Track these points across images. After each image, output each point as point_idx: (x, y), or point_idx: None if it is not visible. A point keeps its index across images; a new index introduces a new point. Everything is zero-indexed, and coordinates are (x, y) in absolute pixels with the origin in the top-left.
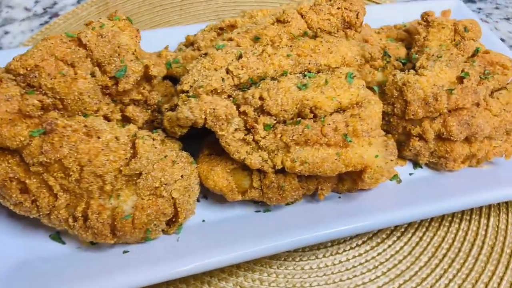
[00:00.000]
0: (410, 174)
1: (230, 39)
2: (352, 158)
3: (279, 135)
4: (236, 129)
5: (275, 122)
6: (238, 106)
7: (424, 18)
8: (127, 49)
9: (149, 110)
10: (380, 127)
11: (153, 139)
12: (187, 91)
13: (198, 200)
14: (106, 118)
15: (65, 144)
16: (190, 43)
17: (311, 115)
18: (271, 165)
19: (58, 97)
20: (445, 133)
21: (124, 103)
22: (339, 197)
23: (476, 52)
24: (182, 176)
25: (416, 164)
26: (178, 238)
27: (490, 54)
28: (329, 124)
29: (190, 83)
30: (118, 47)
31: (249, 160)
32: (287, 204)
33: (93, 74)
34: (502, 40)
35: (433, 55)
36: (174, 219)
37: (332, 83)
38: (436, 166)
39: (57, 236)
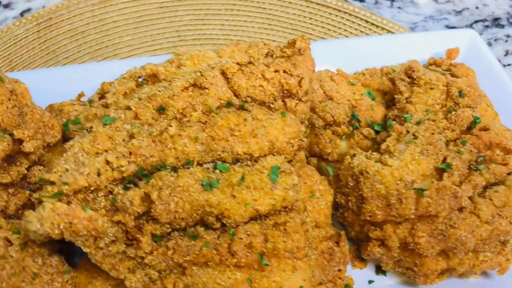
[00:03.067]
0: (370, 282)
1: (128, 108)
2: (267, 287)
3: (170, 252)
4: (113, 241)
5: (169, 229)
6: (116, 210)
7: (408, 74)
8: None
9: (28, 190)
10: (332, 220)
11: (11, 243)
12: (54, 183)
13: None
14: None
15: None
16: (104, 93)
17: (218, 224)
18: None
19: None
20: (412, 245)
21: None
22: None
23: (473, 125)
24: None
25: (379, 269)
26: None
27: (489, 132)
28: (241, 238)
29: (60, 172)
30: None
31: (129, 282)
32: None
33: None
34: None
35: (406, 133)
36: None
37: (249, 181)
38: (404, 275)
39: None
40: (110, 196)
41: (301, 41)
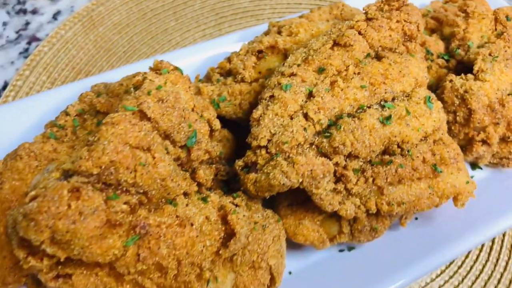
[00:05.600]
0: (471, 177)
1: (292, 74)
2: (444, 189)
3: (370, 179)
4: (327, 181)
5: (362, 163)
6: (325, 156)
7: (463, 9)
8: (188, 107)
9: (213, 165)
10: None
11: (238, 205)
12: (265, 146)
13: None
14: (185, 194)
15: (162, 244)
16: (226, 71)
17: (398, 150)
18: (364, 210)
19: (141, 191)
20: (511, 137)
21: (193, 168)
22: (416, 218)
23: None
24: (273, 239)
25: (474, 166)
26: None
27: None
28: (417, 156)
29: (267, 137)
30: (183, 110)
31: (344, 211)
32: None
33: (167, 151)
34: None
35: (489, 55)
36: (270, 284)
37: (413, 111)
38: (496, 165)
39: None
40: (313, 146)
41: None
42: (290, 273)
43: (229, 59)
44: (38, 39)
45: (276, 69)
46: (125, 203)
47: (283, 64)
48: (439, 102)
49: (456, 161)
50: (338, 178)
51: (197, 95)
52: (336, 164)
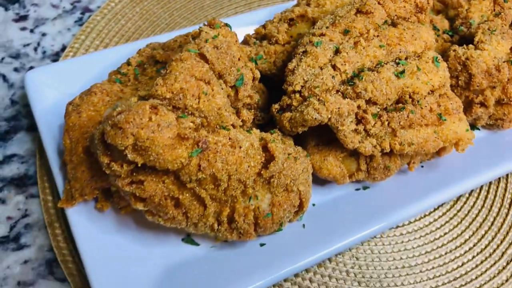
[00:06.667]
0: None
1: (322, 34)
2: (448, 134)
3: (386, 122)
4: (350, 121)
5: (379, 110)
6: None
7: None
8: (236, 56)
9: (252, 110)
10: None
11: (275, 139)
12: (299, 91)
13: None
14: (232, 126)
15: (218, 159)
16: (261, 36)
17: (410, 100)
18: (379, 150)
19: (203, 115)
20: (505, 99)
21: (238, 108)
22: (422, 166)
23: None
24: (303, 169)
25: (472, 127)
26: (303, 224)
27: None
28: (426, 106)
29: (301, 83)
30: (233, 56)
31: (363, 148)
32: None
33: (221, 88)
34: None
35: (488, 29)
36: (298, 209)
37: (423, 68)
38: (492, 127)
39: (190, 239)
40: (339, 92)
41: None
42: (314, 205)
43: (264, 26)
44: (90, 10)
45: (307, 31)
46: (191, 122)
47: (313, 27)
48: (445, 63)
49: (458, 112)
50: (359, 121)
51: None
52: (358, 107)
